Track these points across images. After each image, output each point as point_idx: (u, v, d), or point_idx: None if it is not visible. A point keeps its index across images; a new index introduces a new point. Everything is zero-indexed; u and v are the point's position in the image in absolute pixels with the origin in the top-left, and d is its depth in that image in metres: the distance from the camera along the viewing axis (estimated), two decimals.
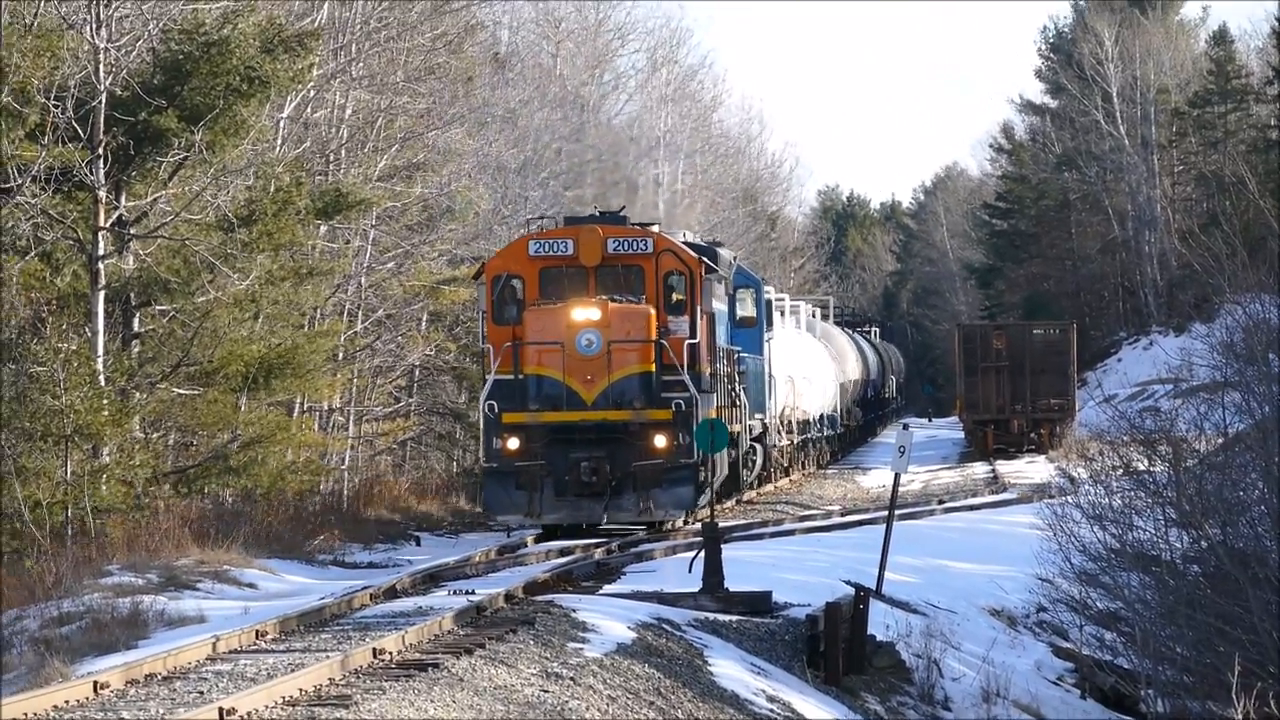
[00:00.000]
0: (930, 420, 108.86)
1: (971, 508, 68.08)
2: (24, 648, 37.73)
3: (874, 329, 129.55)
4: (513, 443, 46.20)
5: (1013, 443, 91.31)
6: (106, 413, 55.94)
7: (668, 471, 46.41)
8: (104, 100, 56.77)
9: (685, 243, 53.27)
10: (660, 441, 46.16)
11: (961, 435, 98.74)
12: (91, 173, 56.93)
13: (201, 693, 27.35)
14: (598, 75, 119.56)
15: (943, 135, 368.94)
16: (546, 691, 29.84)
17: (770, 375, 64.40)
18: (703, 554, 42.87)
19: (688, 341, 47.47)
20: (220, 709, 24.76)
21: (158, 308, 59.52)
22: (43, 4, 58.67)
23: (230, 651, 31.82)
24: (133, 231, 58.46)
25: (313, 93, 66.61)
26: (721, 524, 47.03)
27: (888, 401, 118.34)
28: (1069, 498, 51.98)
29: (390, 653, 30.96)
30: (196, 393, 59.27)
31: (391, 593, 40.21)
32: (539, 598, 39.53)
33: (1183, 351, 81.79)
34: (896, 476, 55.68)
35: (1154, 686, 45.29)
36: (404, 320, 71.44)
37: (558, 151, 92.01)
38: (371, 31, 70.39)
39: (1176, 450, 49.10)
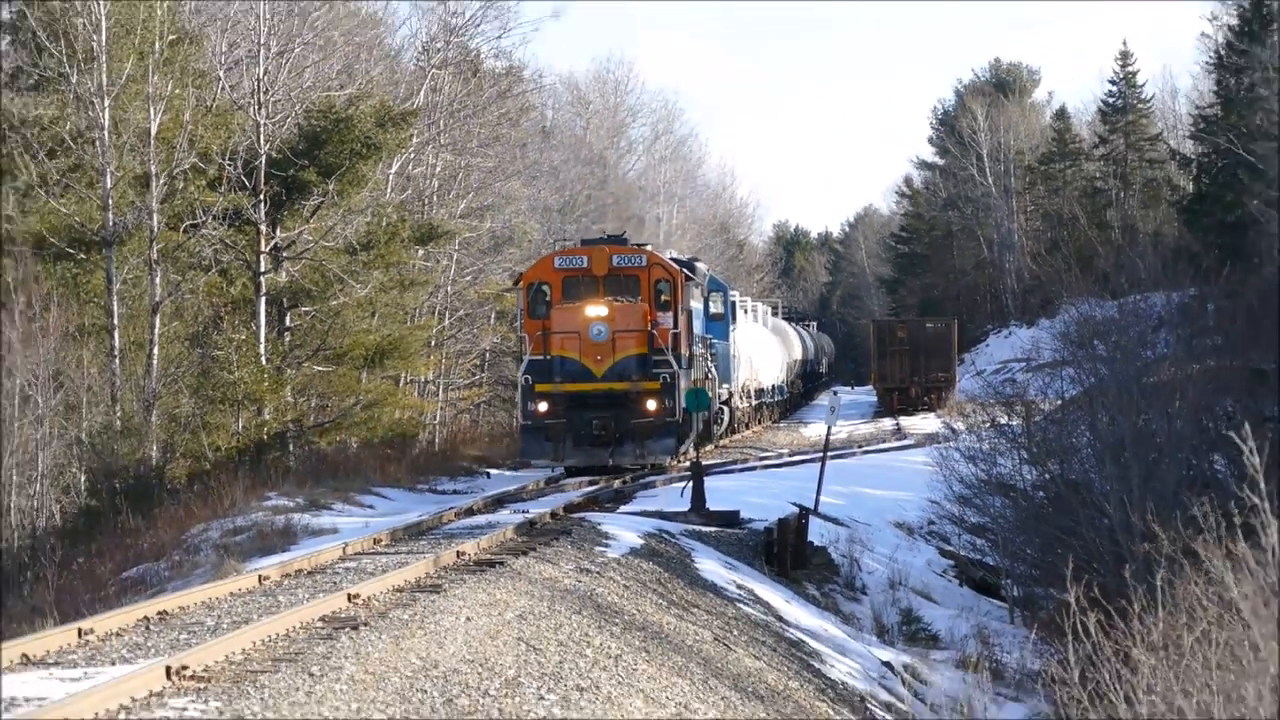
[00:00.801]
0: (852, 388, 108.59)
1: (882, 450, 68.17)
2: (209, 551, 38.21)
3: (812, 323, 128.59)
4: (543, 406, 46.78)
5: (911, 404, 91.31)
6: (266, 384, 56.46)
7: (657, 427, 46.99)
8: (263, 160, 57.15)
9: (671, 258, 53.75)
10: (651, 405, 46.71)
11: (875, 399, 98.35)
12: (255, 212, 57.54)
13: (335, 583, 27.66)
14: (616, 142, 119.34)
15: (862, 184, 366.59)
16: (580, 581, 30.12)
17: (734, 356, 64.21)
18: (691, 484, 43.37)
19: (671, 331, 48.03)
20: (348, 594, 25.12)
21: (302, 309, 59.89)
22: (219, 91, 59.98)
23: (355, 554, 32.22)
24: (284, 254, 58.61)
25: (412, 155, 66.67)
26: (704, 462, 47.21)
27: (822, 375, 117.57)
28: (951, 443, 51.73)
29: (468, 554, 31.20)
30: (330, 369, 59.66)
31: (469, 512, 40.44)
32: (574, 515, 39.97)
33: (1033, 339, 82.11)
34: (828, 428, 56.48)
35: (1011, 577, 45.92)
36: (477, 318, 71.51)
37: (587, 197, 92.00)
38: (454, 111, 70.56)
39: (1027, 410, 49.72)
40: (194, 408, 55.97)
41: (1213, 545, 21.28)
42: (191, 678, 18.87)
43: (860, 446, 68.93)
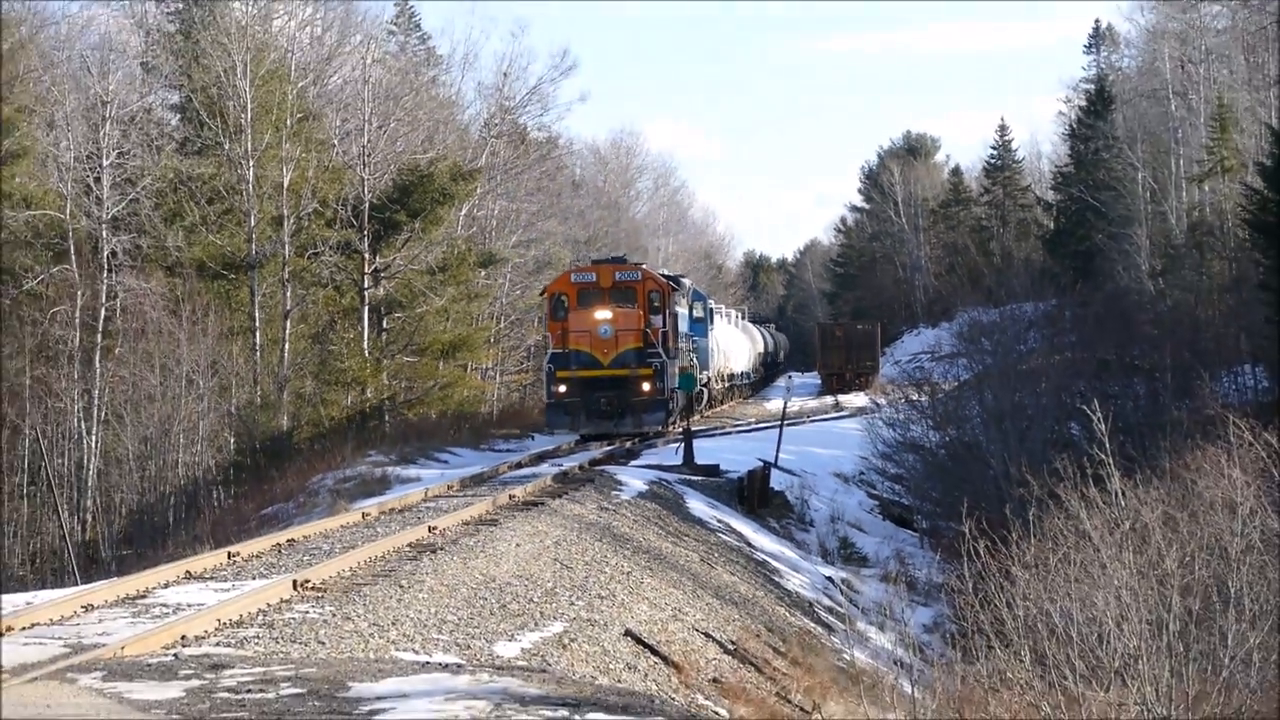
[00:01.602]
0: (803, 374, 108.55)
1: (824, 419, 68.04)
2: (325, 495, 37.89)
3: (772, 325, 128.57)
4: (562, 388, 46.08)
5: (846, 385, 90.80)
6: (368, 370, 56.71)
7: (650, 403, 46.32)
8: (367, 206, 57.46)
9: (663, 274, 53.08)
10: (646, 386, 45.99)
11: (819, 382, 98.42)
12: (360, 244, 57.54)
13: (419, 518, 27.25)
14: (627, 192, 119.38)
15: (810, 223, 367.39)
16: (600, 516, 29.98)
17: (711, 349, 63.28)
18: (683, 444, 43.54)
19: (661, 330, 47.25)
20: (429, 527, 24.96)
21: (395, 314, 60.16)
22: (334, 155, 60.09)
23: (434, 496, 31.80)
24: (382, 275, 58.67)
25: (476, 201, 66.82)
26: (693, 428, 47.42)
27: (780, 364, 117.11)
28: (876, 414, 52.06)
29: (518, 496, 30.90)
30: (415, 359, 59.64)
31: (518, 465, 40.18)
32: (596, 467, 39.56)
33: (936, 337, 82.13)
34: (784, 403, 56.53)
35: (921, 514, 45.94)
36: (525, 321, 71.39)
37: (605, 232, 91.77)
38: (507, 169, 70.66)
39: (932, 389, 49.70)
40: (315, 388, 56.31)
41: (1070, 490, 21.26)
42: (312, 589, 18.84)
43: (809, 417, 68.68)
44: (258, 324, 54.97)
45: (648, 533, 30.59)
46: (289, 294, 55.79)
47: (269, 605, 17.69)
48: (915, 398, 49.45)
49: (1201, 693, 17.96)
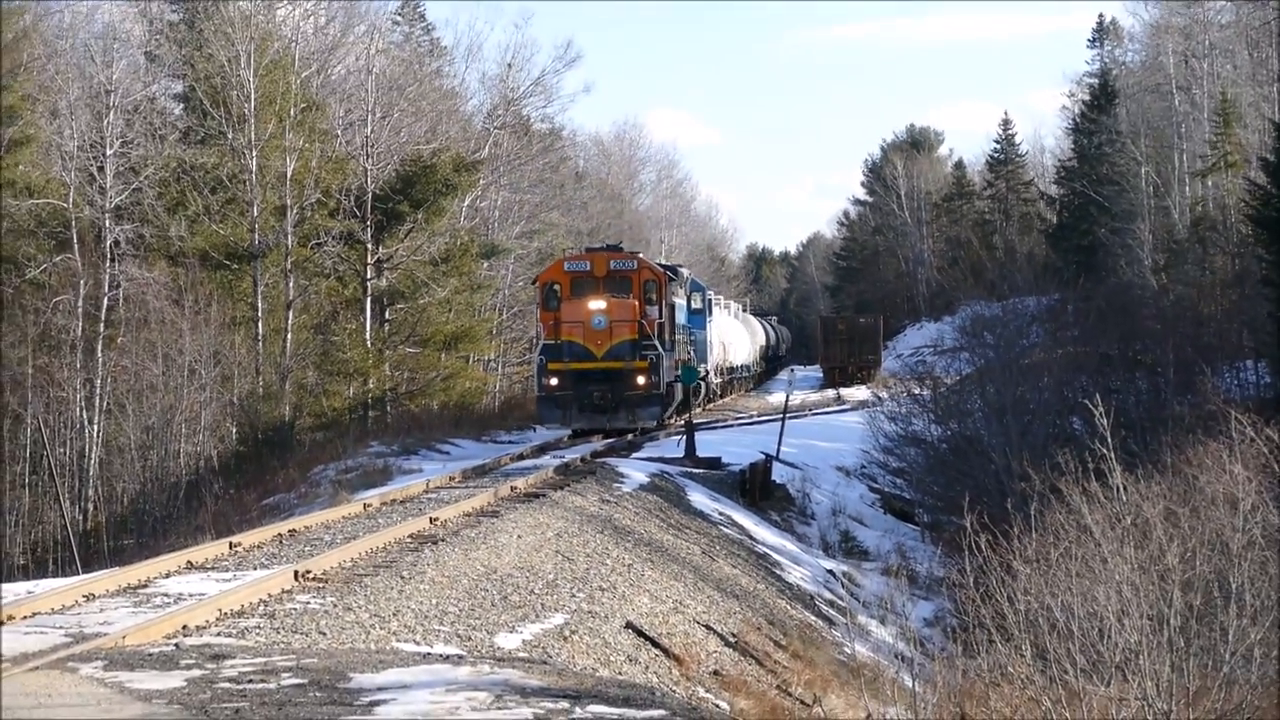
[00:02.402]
0: (805, 367, 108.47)
1: (826, 413, 68.00)
2: (327, 485, 37.79)
3: (774, 318, 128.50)
4: (554, 381, 44.29)
5: (848, 379, 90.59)
6: (371, 361, 56.75)
7: (645, 398, 44.68)
8: (370, 196, 57.51)
9: (660, 264, 51.87)
10: (641, 380, 44.30)
11: (821, 375, 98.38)
12: (363, 234, 57.60)
13: (420, 509, 27.21)
14: (630, 184, 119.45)
15: (813, 216, 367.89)
16: (602, 509, 30.02)
17: (710, 342, 62.57)
18: (685, 437, 43.34)
19: (657, 321, 45.79)
20: (430, 518, 24.93)
21: (398, 305, 60.20)
22: (338, 145, 60.03)
23: (436, 488, 31.79)
24: (385, 265, 58.68)
25: (479, 192, 66.81)
26: (694, 421, 46.77)
27: (782, 357, 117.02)
28: (878, 407, 52.05)
29: (519, 488, 30.77)
30: (418, 351, 59.73)
31: (520, 457, 40.07)
32: (598, 460, 39.56)
33: (939, 331, 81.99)
34: (787, 396, 56.52)
35: (922, 507, 45.91)
36: (527, 313, 71.32)
37: (609, 225, 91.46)
38: (510, 161, 70.65)
39: (934, 383, 49.70)
40: (317, 378, 56.35)
41: (1072, 484, 21.24)
42: (313, 579, 18.85)
43: (811, 410, 68.81)
44: (260, 314, 55.00)
45: (649, 525, 30.60)
46: (291, 284, 55.81)
47: (270, 595, 17.71)
48: (917, 391, 49.44)
49: (1202, 688, 17.96)
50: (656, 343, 45.09)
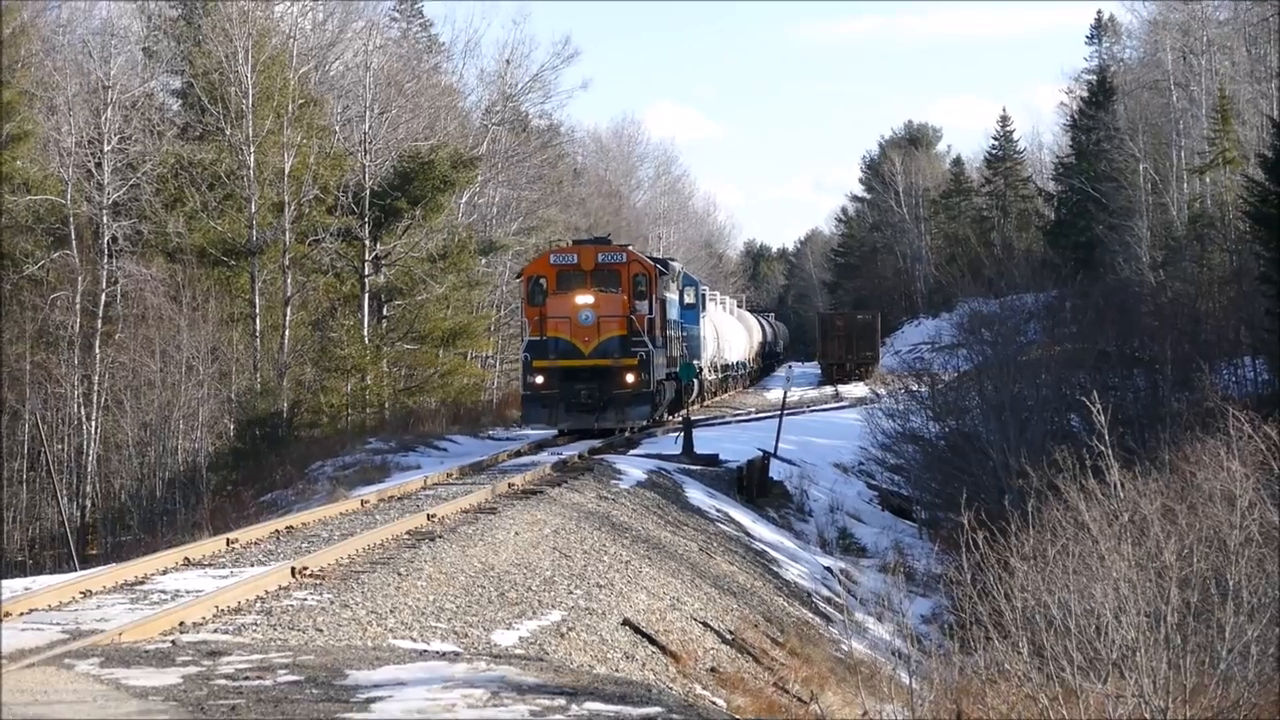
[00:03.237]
0: (803, 364, 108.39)
1: (824, 409, 68.00)
2: (324, 482, 37.99)
3: (771, 314, 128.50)
4: (539, 379, 42.47)
5: (846, 375, 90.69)
6: (368, 357, 56.88)
7: (634, 396, 42.94)
8: (368, 192, 57.63)
9: (651, 257, 49.88)
10: (630, 378, 42.57)
11: (819, 372, 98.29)
12: (361, 231, 57.74)
13: (418, 506, 27.13)
14: (628, 180, 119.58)
15: (811, 213, 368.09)
16: (600, 505, 30.05)
17: (703, 338, 61.24)
18: (683, 434, 43.28)
19: (647, 317, 43.91)
20: (428, 514, 24.87)
21: (395, 302, 60.32)
22: (335, 141, 60.06)
23: (433, 484, 31.63)
24: (382, 262, 58.81)
25: (477, 189, 66.88)
26: (692, 418, 46.74)
27: (779, 354, 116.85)
28: (876, 404, 51.91)
29: (517, 485, 30.77)
30: (416, 347, 59.93)
31: (517, 454, 39.84)
32: (595, 456, 39.53)
33: (936, 328, 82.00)
34: (784, 393, 56.53)
35: (920, 504, 45.92)
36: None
37: (607, 221, 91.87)
38: (508, 157, 70.77)
39: (932, 380, 49.72)
40: (315, 375, 56.38)
41: (1069, 481, 21.23)
42: (310, 576, 18.84)
43: (809, 407, 68.74)
44: (258, 310, 55.08)
45: (646, 522, 30.59)
46: (289, 280, 55.83)
47: (267, 592, 17.70)
48: (915, 388, 49.43)
49: (1199, 685, 17.95)
50: (646, 339, 43.56)
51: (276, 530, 23.92)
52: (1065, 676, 17.41)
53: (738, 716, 18.42)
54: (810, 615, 29.82)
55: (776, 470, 44.28)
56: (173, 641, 14.76)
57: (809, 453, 49.55)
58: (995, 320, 48.52)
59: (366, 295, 58.09)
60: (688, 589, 25.38)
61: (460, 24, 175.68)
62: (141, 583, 18.96)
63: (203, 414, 50.76)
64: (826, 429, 57.08)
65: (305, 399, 54.99)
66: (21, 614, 16.50)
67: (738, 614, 25.51)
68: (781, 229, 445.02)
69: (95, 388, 51.48)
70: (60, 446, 51.44)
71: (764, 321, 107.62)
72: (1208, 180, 78.14)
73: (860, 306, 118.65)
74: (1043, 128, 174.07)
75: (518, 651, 17.07)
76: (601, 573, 23.33)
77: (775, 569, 33.17)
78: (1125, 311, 53.02)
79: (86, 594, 17.96)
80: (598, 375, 42.67)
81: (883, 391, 54.25)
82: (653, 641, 20.60)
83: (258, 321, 55.04)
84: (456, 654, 15.40)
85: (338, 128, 60.16)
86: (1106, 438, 20.39)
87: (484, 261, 65.83)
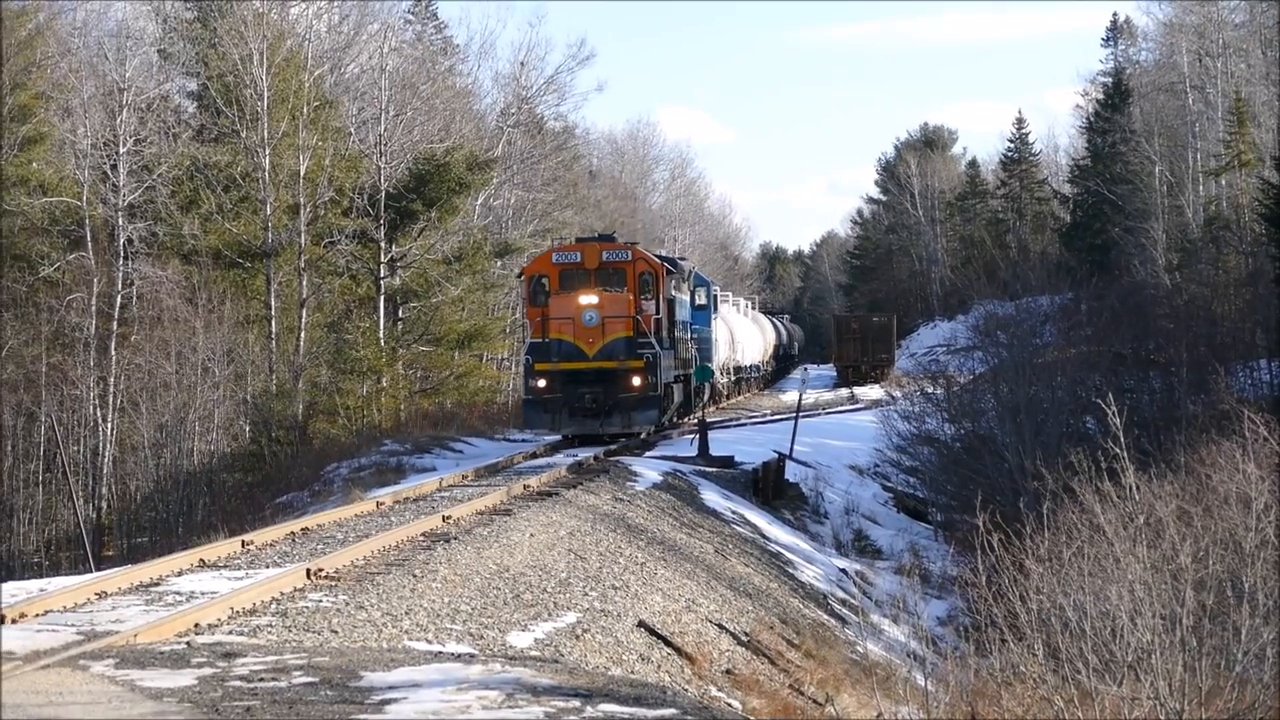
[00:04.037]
0: (818, 366, 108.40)
1: (840, 411, 67.82)
2: (340, 483, 37.89)
3: (787, 316, 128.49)
4: (542, 382, 40.82)
5: (862, 378, 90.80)
6: (384, 359, 56.85)
7: (641, 400, 41.05)
8: (383, 195, 57.73)
9: (659, 256, 48.14)
10: (636, 381, 40.79)
11: (835, 374, 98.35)
12: (376, 233, 57.75)
13: (433, 508, 27.05)
14: (644, 182, 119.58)
15: (826, 215, 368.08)
16: (615, 507, 29.96)
17: (715, 340, 59.82)
18: (698, 436, 43.09)
19: (654, 317, 42.23)
20: (443, 516, 24.79)
21: (411, 304, 60.43)
22: (351, 143, 60.15)
23: (449, 486, 31.55)
24: (398, 264, 58.89)
25: (493, 191, 67.01)
26: (708, 420, 46.92)
27: (794, 356, 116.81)
28: (891, 406, 51.80)
29: (532, 486, 30.61)
30: (431, 349, 60.04)
31: (533, 455, 39.53)
32: (611, 458, 39.21)
33: (952, 330, 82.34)
34: (800, 395, 56.76)
35: (935, 506, 45.93)
36: None
37: (622, 223, 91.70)
38: (524, 159, 70.90)
39: (948, 382, 49.78)
40: (330, 377, 56.29)
41: (1085, 484, 21.20)
42: (326, 577, 18.82)
43: (824, 409, 68.74)
44: (273, 312, 55.15)
45: (662, 524, 30.54)
46: (305, 283, 55.88)
47: (282, 594, 17.69)
48: (930, 391, 49.43)
49: (1214, 688, 17.93)
50: (654, 340, 41.89)
51: (292, 532, 23.90)
52: (1080, 679, 17.40)
53: (753, 718, 18.40)
54: (826, 617, 29.78)
55: (792, 472, 44.24)
56: (188, 643, 14.75)
57: (824, 455, 49.51)
58: (1010, 323, 48.51)
59: (382, 297, 58.13)
60: (703, 591, 25.36)
61: (475, 26, 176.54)
62: (157, 584, 18.95)
63: (218, 416, 50.82)
64: (842, 431, 57.07)
65: (321, 401, 54.98)
66: (37, 615, 16.50)
67: (753, 616, 25.48)
68: (797, 231, 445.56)
69: (111, 389, 51.56)
70: (76, 448, 51.53)
71: (779, 323, 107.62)
72: (1223, 182, 78.10)
73: (875, 309, 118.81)
74: (1058, 130, 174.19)
75: (533, 653, 17.05)
76: (617, 574, 23.31)
77: (790, 571, 33.14)
78: (1140, 314, 53.01)
79: (102, 595, 17.95)
80: (602, 378, 41.10)
81: (898, 394, 54.25)
82: (668, 643, 20.58)
83: (273, 323, 55.12)
84: (472, 656, 15.39)
85: (353, 130, 60.24)
86: (1122, 440, 20.37)
87: (499, 264, 65.85)
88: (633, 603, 21.82)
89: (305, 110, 55.91)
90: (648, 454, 42.44)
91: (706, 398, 56.88)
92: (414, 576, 19.24)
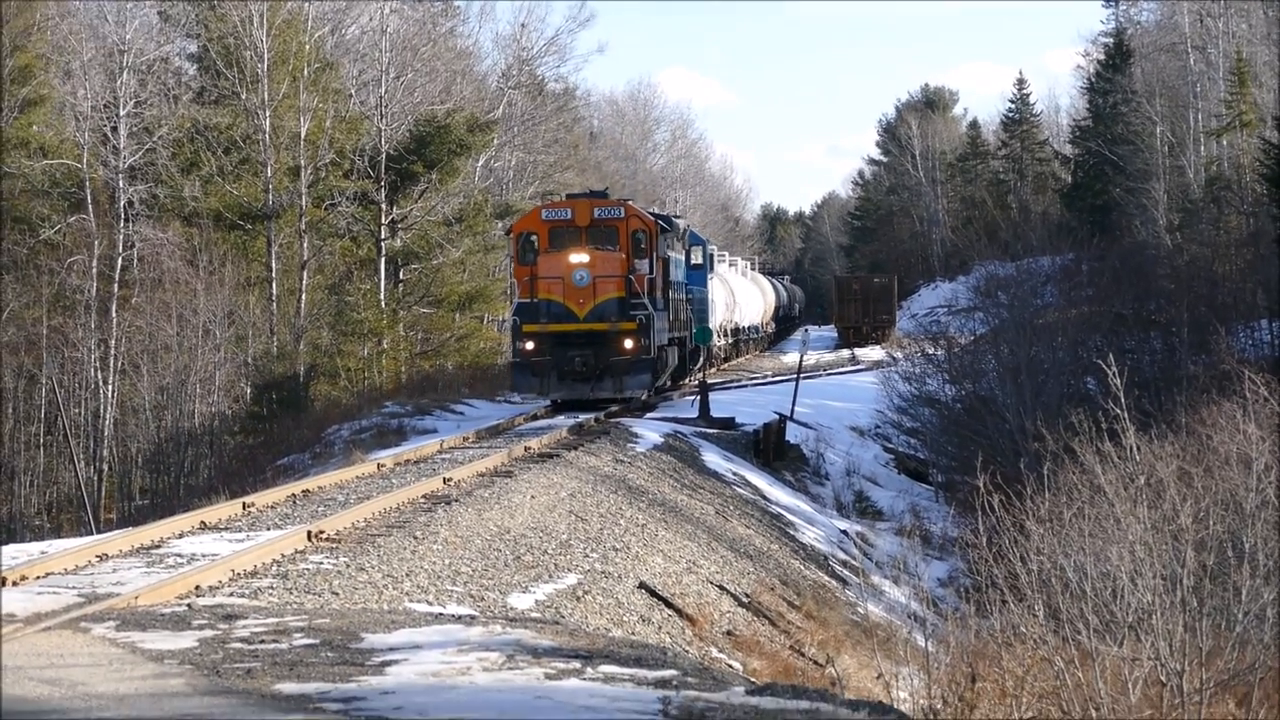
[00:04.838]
0: (819, 327, 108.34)
1: (841, 373, 68.12)
2: (340, 445, 37.88)
3: (787, 277, 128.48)
4: (530, 344, 39.41)
5: (863, 339, 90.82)
6: (385, 321, 56.99)
7: (634, 364, 39.61)
8: (384, 156, 57.68)
9: (653, 214, 45.42)
10: (628, 344, 39.32)
11: (835, 335, 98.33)
12: (377, 195, 57.79)
13: (434, 470, 27.01)
14: (644, 144, 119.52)
15: (827, 176, 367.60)
16: (616, 469, 29.94)
17: (711, 301, 58.69)
18: (699, 397, 43.19)
19: (647, 277, 40.59)
20: (444, 478, 24.77)
21: (412, 266, 60.46)
22: (351, 105, 60.09)
23: (450, 448, 31.38)
24: (399, 226, 58.97)
25: (493, 153, 66.99)
26: (708, 382, 46.81)
27: (795, 318, 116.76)
28: (892, 368, 51.87)
29: (533, 448, 30.56)
30: (433, 311, 60.21)
31: (534, 417, 39.14)
32: (612, 420, 39.01)
33: (953, 291, 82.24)
34: (800, 356, 56.59)
35: (936, 468, 46.07)
36: None
37: (623, 185, 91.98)
38: (524, 120, 70.84)
39: (948, 343, 49.76)
40: (331, 339, 56.36)
41: (1086, 444, 21.17)
42: (326, 539, 18.84)
43: (825, 370, 68.77)
44: (274, 274, 55.16)
45: (663, 485, 30.55)
46: (306, 245, 55.90)
47: (283, 556, 17.70)
48: (931, 352, 49.38)
49: (1215, 648, 17.93)
50: (647, 301, 40.40)
51: (293, 494, 23.91)
52: (1081, 639, 17.38)
53: (754, 679, 18.41)
54: (826, 579, 29.82)
55: (793, 434, 44.25)
56: (189, 605, 14.76)
57: (825, 416, 49.50)
58: (1011, 283, 48.44)
59: (383, 259, 58.12)
60: (704, 552, 25.37)
61: None
62: (158, 546, 18.96)
63: (219, 378, 50.87)
64: (843, 392, 57.06)
65: (322, 363, 55.01)
66: (38, 577, 16.52)
67: (754, 577, 25.51)
68: (798, 193, 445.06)
69: (112, 352, 51.56)
70: (77, 411, 51.56)
71: (779, 284, 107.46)
72: (1224, 143, 77.98)
73: (876, 270, 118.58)
74: (1059, 91, 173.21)
75: (534, 615, 17.06)
76: (618, 536, 23.32)
77: (791, 532, 33.17)
78: (1141, 274, 52.98)
79: (103, 557, 17.96)
80: (593, 340, 39.67)
81: (899, 355, 54.16)
82: (669, 605, 20.60)
83: (274, 285, 55.12)
84: (472, 617, 15.40)
85: (353, 92, 60.19)
86: (1122, 401, 20.33)
87: (500, 225, 65.70)
88: (633, 564, 21.83)
89: (306, 72, 55.88)
90: (648, 415, 42.22)
91: (703, 360, 55.72)
92: (415, 538, 19.25)
